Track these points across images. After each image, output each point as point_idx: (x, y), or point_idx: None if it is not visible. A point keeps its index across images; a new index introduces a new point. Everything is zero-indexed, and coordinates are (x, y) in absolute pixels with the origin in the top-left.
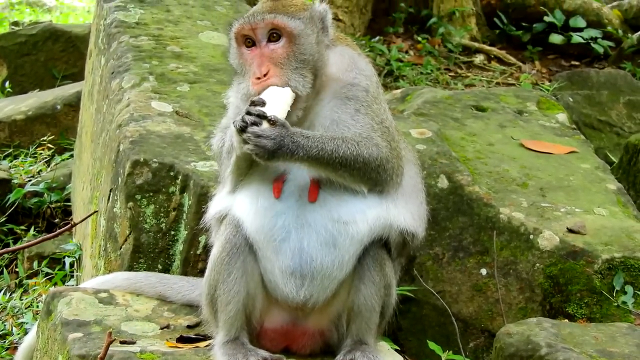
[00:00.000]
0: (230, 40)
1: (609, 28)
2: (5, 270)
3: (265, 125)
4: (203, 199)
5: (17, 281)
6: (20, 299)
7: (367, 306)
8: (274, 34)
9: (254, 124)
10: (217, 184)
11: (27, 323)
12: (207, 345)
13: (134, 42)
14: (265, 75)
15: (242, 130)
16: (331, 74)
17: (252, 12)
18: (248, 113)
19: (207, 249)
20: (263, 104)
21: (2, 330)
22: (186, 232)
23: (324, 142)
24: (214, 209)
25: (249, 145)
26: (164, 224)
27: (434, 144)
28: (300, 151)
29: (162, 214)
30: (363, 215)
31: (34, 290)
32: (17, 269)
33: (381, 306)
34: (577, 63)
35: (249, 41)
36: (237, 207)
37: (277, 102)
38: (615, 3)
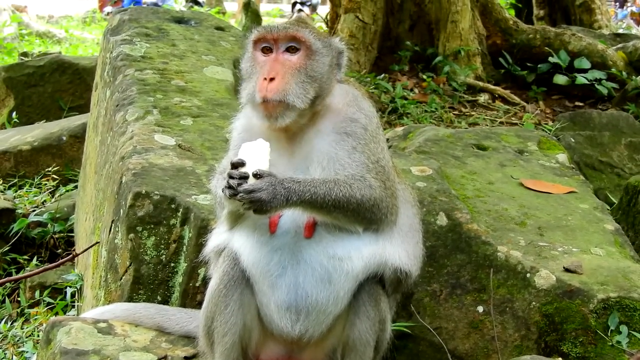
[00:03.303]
0: (248, 45)
1: (614, 70)
2: (7, 299)
3: (252, 180)
4: (203, 231)
5: (18, 310)
6: (22, 328)
7: (361, 340)
8: (293, 47)
9: (240, 184)
10: (217, 217)
11: (27, 352)
12: None
13: (139, 76)
14: (271, 80)
15: (233, 195)
16: (333, 106)
17: (276, 24)
18: (231, 177)
19: (206, 281)
20: (242, 164)
21: (2, 359)
22: (186, 264)
23: (316, 186)
24: (213, 242)
25: (245, 205)
26: (164, 256)
27: (434, 182)
28: (293, 196)
29: (162, 246)
30: (358, 252)
31: (35, 319)
32: (19, 298)
33: (376, 341)
34: (581, 104)
35: (266, 48)
36: (234, 241)
37: (256, 157)
38: (620, 45)
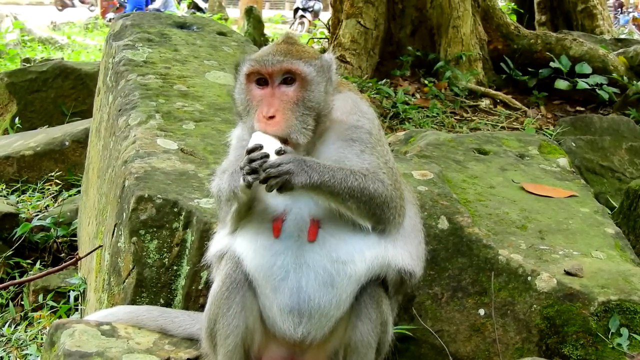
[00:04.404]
0: (239, 76)
1: (615, 75)
2: (10, 303)
3: (274, 156)
4: (206, 235)
5: (22, 314)
6: (25, 332)
7: (363, 342)
8: (289, 78)
9: (264, 162)
10: (219, 221)
11: (31, 355)
12: None
13: (142, 80)
14: (271, 118)
15: (255, 178)
16: (336, 117)
17: (268, 54)
18: (251, 160)
19: (208, 284)
20: (261, 147)
21: None
22: (188, 267)
23: (334, 170)
24: (215, 247)
25: (271, 181)
26: (166, 259)
27: (436, 186)
28: (314, 175)
29: (165, 250)
30: (361, 255)
31: (39, 323)
32: (22, 302)
33: (377, 343)
34: (582, 109)
35: (261, 80)
36: (237, 244)
37: (270, 141)
38: (621, 50)
